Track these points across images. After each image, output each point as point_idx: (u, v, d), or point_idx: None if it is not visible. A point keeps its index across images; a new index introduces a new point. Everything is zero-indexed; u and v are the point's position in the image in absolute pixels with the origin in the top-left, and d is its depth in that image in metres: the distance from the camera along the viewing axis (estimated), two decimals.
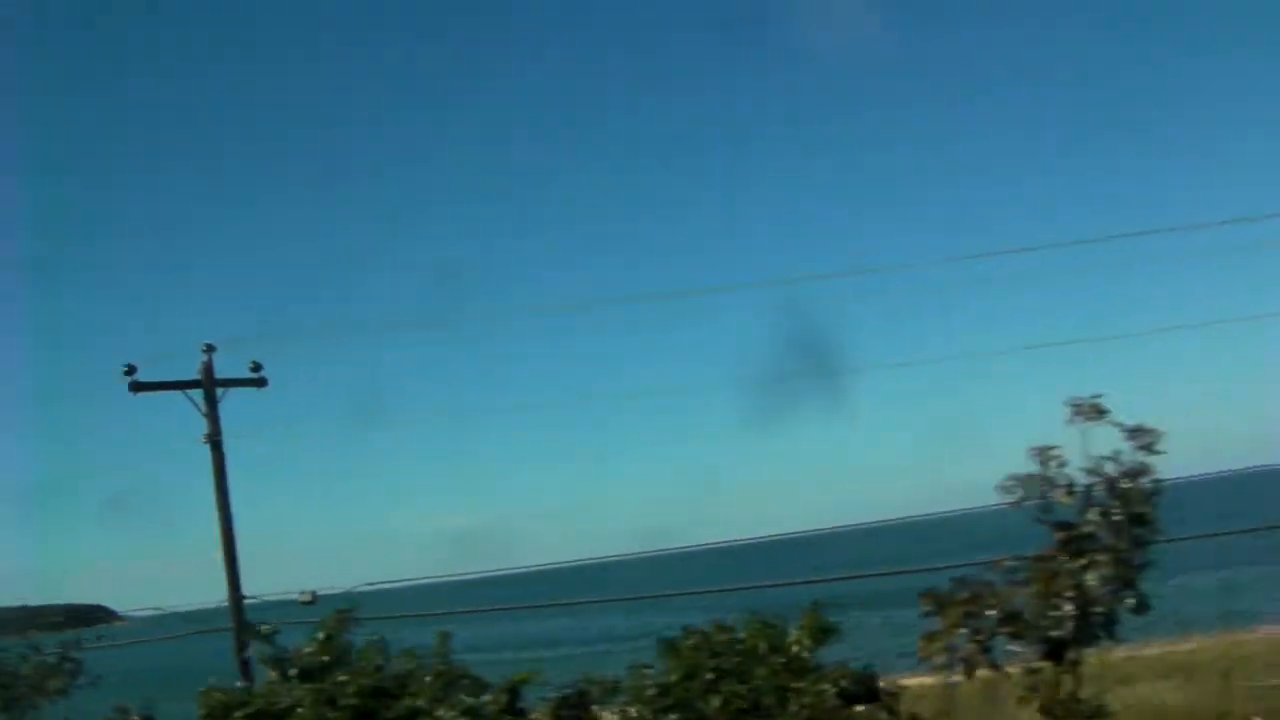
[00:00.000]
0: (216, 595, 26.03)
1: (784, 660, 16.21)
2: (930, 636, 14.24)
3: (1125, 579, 13.81)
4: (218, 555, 25.86)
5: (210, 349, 25.60)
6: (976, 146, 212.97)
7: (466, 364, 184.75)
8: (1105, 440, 13.91)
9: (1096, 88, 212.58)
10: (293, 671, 16.79)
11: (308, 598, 26.47)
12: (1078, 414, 13.74)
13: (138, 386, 25.30)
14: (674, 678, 16.47)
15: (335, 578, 26.59)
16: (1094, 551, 13.79)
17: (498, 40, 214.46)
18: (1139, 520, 13.90)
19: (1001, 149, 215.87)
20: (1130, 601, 13.97)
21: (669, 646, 16.80)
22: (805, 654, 16.25)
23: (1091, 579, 13.64)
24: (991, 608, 13.92)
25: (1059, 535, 13.90)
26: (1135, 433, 13.89)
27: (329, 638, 16.96)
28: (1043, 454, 13.85)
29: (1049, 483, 13.86)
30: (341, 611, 17.53)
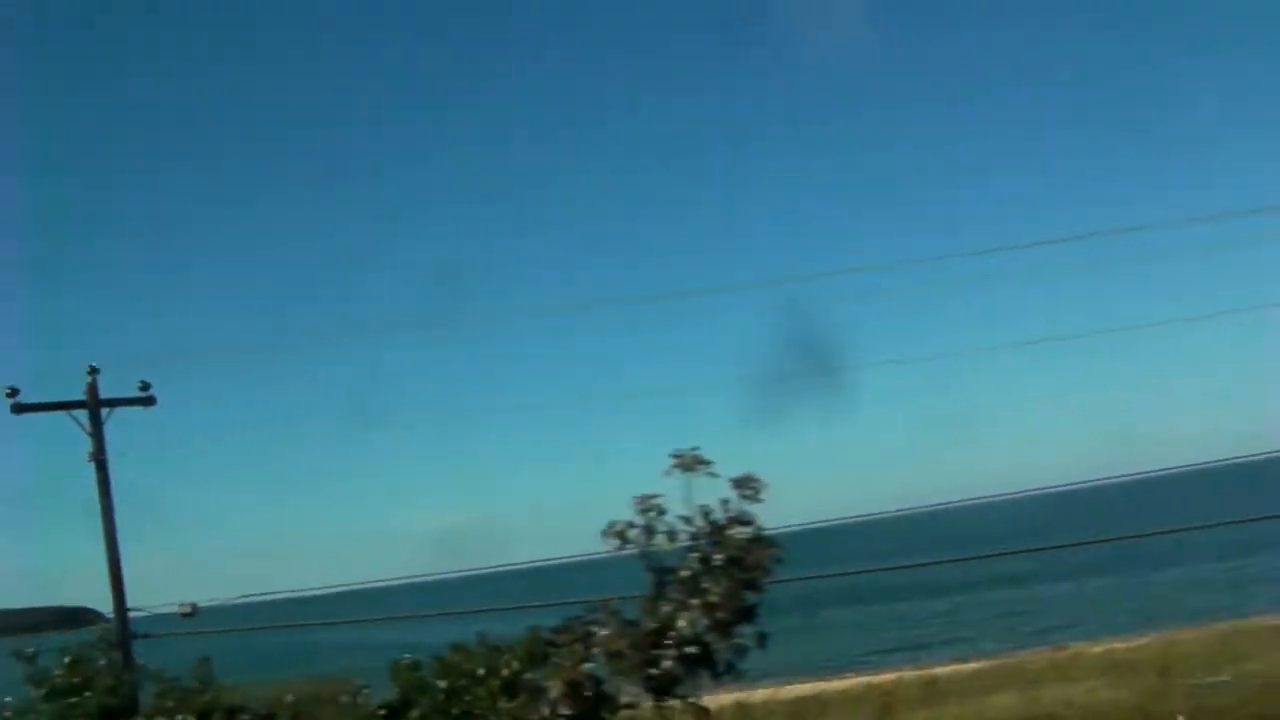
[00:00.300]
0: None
1: (500, 681, 17.22)
2: (553, 672, 15.05)
3: (722, 621, 14.41)
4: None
5: (94, 370, 26.90)
6: (976, 146, 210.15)
7: (466, 364, 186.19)
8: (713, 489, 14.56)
9: (1096, 88, 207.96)
10: (42, 690, 18.19)
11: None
12: (678, 464, 14.32)
13: (20, 408, 26.49)
14: (395, 697, 17.66)
15: (329, 577, 27.88)
16: (691, 595, 14.43)
17: (498, 40, 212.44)
18: (741, 565, 14.51)
19: (1001, 149, 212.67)
20: (740, 641, 14.60)
21: (394, 668, 17.97)
22: (520, 676, 17.23)
23: (683, 621, 14.28)
24: (598, 647, 14.63)
25: (655, 579, 14.58)
26: (740, 482, 14.51)
27: (76, 661, 18.34)
28: (643, 502, 14.52)
29: (649, 530, 14.51)
30: (97, 639, 18.95)
